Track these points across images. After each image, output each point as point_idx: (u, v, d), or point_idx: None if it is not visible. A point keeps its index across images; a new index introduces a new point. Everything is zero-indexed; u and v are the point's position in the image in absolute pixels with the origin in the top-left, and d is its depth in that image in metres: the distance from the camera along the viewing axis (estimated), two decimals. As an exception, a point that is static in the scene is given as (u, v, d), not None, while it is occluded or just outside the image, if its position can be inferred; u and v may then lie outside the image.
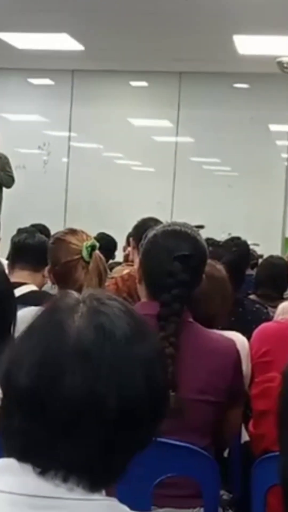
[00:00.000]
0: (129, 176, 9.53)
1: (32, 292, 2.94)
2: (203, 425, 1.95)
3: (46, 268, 2.72)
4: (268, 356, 2.29)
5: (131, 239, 3.67)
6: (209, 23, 6.93)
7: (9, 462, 0.99)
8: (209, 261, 2.17)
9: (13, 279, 2.58)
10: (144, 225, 3.21)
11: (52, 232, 3.15)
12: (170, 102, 9.26)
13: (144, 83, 9.58)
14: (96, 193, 9.38)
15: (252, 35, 7.17)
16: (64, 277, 2.51)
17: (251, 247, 4.52)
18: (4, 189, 7.86)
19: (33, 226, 5.31)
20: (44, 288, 3.17)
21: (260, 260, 5.32)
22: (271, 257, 4.72)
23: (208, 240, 2.79)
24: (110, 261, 5.44)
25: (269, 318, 3.22)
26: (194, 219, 4.21)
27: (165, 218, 3.15)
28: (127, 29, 7.34)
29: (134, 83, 9.58)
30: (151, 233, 2.08)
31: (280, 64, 7.34)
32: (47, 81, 9.72)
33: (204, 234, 2.25)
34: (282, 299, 4.02)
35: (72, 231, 2.62)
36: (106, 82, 9.38)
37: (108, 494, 1.02)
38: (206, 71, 8.74)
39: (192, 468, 1.90)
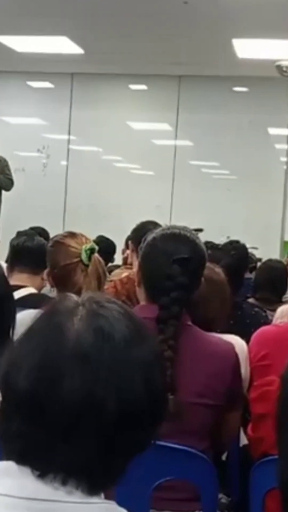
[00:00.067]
0: (128, 179, 9.53)
1: (31, 295, 2.94)
2: (202, 428, 1.95)
3: (45, 271, 2.72)
4: (266, 359, 2.29)
5: (130, 242, 3.67)
6: (208, 27, 6.95)
7: (8, 465, 0.99)
8: (208, 264, 2.17)
9: (12, 282, 2.57)
10: (143, 228, 3.21)
11: (51, 235, 3.15)
12: (169, 105, 9.27)
13: (143, 87, 9.59)
14: (95, 196, 9.38)
15: (251, 39, 7.18)
16: (63, 280, 2.51)
17: (250, 250, 4.53)
18: (3, 192, 7.86)
19: (32, 229, 5.29)
20: (43, 291, 3.17)
21: (258, 264, 5.32)
22: (269, 260, 4.72)
23: (207, 243, 2.80)
24: (109, 264, 5.45)
25: (267, 322, 3.21)
26: (193, 222, 4.23)
27: (164, 221, 3.16)
28: (126, 32, 7.35)
29: (133, 87, 9.59)
30: (150, 236, 2.08)
31: (279, 67, 7.35)
32: (46, 84, 9.73)
33: (203, 237, 2.25)
34: (280, 302, 4.02)
35: (71, 234, 2.62)
36: (106, 86, 9.39)
37: (107, 497, 1.02)
38: (205, 74, 8.75)
39: (191, 471, 1.90)
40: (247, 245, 3.78)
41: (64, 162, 9.73)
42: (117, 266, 5.03)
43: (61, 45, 7.84)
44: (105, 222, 8.31)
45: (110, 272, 4.11)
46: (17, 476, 0.98)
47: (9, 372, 1.01)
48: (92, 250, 2.53)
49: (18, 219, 7.25)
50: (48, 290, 3.11)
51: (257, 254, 6.45)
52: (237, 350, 2.05)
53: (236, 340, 2.40)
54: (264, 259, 5.06)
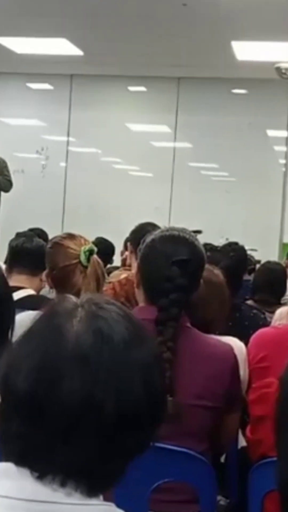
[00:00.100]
0: (127, 181, 9.53)
1: (29, 296, 2.94)
2: (200, 430, 1.94)
3: (44, 273, 2.72)
4: (265, 361, 2.29)
5: (128, 243, 3.67)
6: (207, 29, 6.96)
7: (7, 467, 0.99)
8: (206, 266, 2.17)
9: (11, 283, 2.57)
10: (142, 230, 3.21)
11: (50, 237, 3.15)
12: (169, 107, 9.28)
13: (142, 88, 9.59)
14: (94, 198, 9.39)
15: (250, 41, 7.19)
16: (62, 281, 2.51)
17: (249, 252, 4.53)
18: (2, 193, 7.86)
19: (31, 230, 5.29)
20: (41, 293, 3.17)
21: (257, 266, 5.32)
22: (268, 262, 4.72)
23: (206, 245, 2.80)
24: (108, 265, 5.44)
25: (266, 324, 3.22)
26: (192, 224, 4.23)
27: (163, 223, 3.16)
28: (125, 34, 7.36)
29: (132, 88, 9.59)
30: (149, 238, 2.08)
31: (278, 70, 7.35)
32: (46, 86, 9.73)
33: (202, 239, 2.25)
34: (279, 304, 4.02)
35: (70, 236, 2.62)
36: (105, 87, 9.39)
37: (106, 498, 1.02)
38: (205, 76, 8.76)
39: (189, 473, 1.90)
40: (246, 247, 3.78)
41: (63, 164, 9.73)
42: (116, 268, 5.03)
43: (61, 46, 7.85)
44: (104, 224, 8.31)
45: (109, 273, 4.11)
46: (16, 478, 0.98)
47: (9, 373, 1.01)
48: (91, 252, 2.53)
49: (17, 220, 7.25)
50: (47, 291, 3.11)
51: (256, 256, 6.45)
52: (236, 352, 2.05)
53: (234, 342, 2.41)
54: (263, 261, 5.06)
